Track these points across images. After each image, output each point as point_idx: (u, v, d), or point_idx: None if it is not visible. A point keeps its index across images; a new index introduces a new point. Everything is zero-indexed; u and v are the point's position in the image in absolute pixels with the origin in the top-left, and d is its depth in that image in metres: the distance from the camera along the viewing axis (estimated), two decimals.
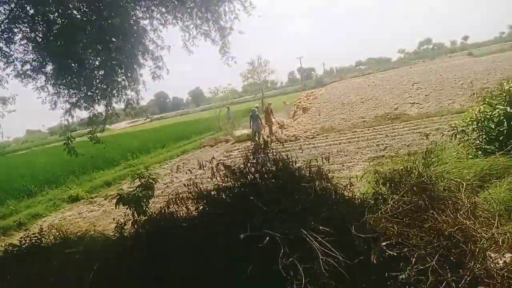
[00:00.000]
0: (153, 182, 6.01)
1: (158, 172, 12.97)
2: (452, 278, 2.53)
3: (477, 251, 2.59)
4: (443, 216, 2.81)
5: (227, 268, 3.01)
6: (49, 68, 5.43)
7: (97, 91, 5.75)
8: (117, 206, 5.61)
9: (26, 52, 5.43)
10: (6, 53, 5.43)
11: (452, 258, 2.69)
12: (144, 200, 5.61)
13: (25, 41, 5.34)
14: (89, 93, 5.61)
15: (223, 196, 3.75)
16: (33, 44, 5.27)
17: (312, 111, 19.81)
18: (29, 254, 5.42)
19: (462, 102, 15.18)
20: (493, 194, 4.06)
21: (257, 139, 18.27)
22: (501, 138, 5.55)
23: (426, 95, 16.99)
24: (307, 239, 2.94)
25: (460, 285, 2.49)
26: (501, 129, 5.60)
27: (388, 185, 3.55)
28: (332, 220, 3.25)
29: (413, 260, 2.79)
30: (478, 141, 5.80)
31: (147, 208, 5.52)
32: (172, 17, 7.15)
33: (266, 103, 23.10)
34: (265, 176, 3.74)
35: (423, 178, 3.26)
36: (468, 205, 2.92)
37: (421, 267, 2.71)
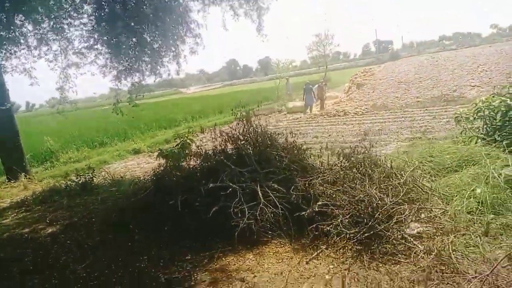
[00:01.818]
0: (189, 142, 7.17)
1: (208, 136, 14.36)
2: (350, 233, 3.32)
3: (376, 214, 3.30)
4: (361, 186, 3.53)
5: (199, 206, 4.09)
6: (98, 47, 6.88)
7: (134, 66, 7.10)
8: (157, 158, 6.85)
9: (81, 36, 6.97)
10: (68, 37, 6.95)
11: (363, 217, 3.44)
12: (179, 156, 6.79)
13: (81, 27, 6.88)
14: (127, 67, 6.99)
15: (216, 156, 4.79)
16: (86, 29, 6.79)
17: (367, 87, 19.65)
18: (81, 188, 7.04)
19: None
20: (453, 179, 4.56)
21: (308, 111, 19.00)
22: (501, 129, 5.72)
23: (489, 79, 15.96)
24: (259, 193, 3.88)
25: (355, 237, 3.27)
26: (504, 120, 5.75)
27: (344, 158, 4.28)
28: (288, 182, 4.14)
29: (339, 217, 3.59)
30: (478, 130, 6.00)
31: (181, 163, 6.69)
32: None
33: (328, 77, 23.30)
34: (250, 144, 4.67)
35: (364, 156, 3.95)
36: (386, 180, 3.59)
37: (339, 222, 3.52)
